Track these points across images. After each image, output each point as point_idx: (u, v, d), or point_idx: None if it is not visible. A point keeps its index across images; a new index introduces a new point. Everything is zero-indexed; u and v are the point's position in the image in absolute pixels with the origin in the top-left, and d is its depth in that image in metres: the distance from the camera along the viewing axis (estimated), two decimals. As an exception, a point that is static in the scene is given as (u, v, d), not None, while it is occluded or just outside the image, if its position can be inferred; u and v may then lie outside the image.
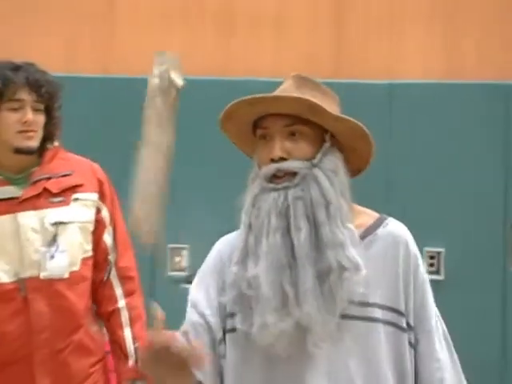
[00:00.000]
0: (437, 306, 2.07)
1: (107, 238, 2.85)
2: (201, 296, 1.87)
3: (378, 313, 1.80)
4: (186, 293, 3.11)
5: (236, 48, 5.05)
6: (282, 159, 1.77)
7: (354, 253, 1.73)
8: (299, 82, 1.90)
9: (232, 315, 1.79)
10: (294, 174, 1.77)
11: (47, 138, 2.81)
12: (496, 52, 4.93)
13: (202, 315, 1.82)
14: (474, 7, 4.93)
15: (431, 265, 4.58)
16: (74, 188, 2.79)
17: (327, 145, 1.81)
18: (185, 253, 4.64)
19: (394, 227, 1.89)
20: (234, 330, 1.79)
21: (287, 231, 1.73)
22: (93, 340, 2.83)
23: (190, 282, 3.52)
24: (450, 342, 1.93)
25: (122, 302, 2.86)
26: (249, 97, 1.79)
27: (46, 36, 5.06)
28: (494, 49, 4.93)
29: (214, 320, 1.81)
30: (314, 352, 1.75)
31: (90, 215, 2.80)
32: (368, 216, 1.89)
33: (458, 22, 4.96)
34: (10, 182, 2.72)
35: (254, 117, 1.82)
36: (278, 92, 1.87)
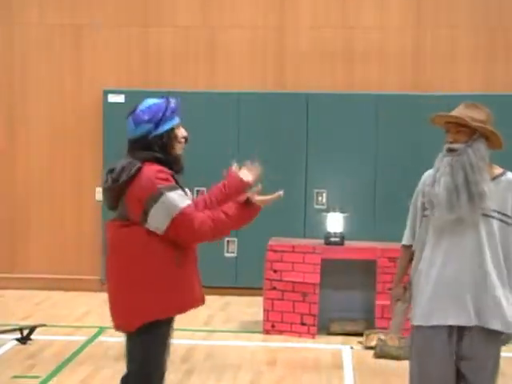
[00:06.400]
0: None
1: None
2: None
3: (497, 215, 3.31)
4: (324, 216, 5.83)
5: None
6: (452, 143, 3.32)
7: (483, 186, 3.24)
8: (465, 105, 3.37)
9: (425, 208, 3.40)
10: (456, 150, 3.30)
11: None
12: None
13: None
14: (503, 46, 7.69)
15: None
16: None
17: (475, 136, 3.31)
18: (324, 194, 7.63)
19: (509, 176, 3.38)
20: (425, 216, 3.41)
21: (451, 175, 3.28)
22: None
23: (328, 211, 6.30)
24: None
25: None
26: (440, 113, 3.41)
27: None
28: None
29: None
30: (462, 232, 3.28)
31: None
32: (498, 170, 3.39)
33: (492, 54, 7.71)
34: None
35: (443, 121, 3.40)
36: (453, 111, 3.37)
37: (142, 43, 7.97)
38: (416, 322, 3.36)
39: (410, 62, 7.77)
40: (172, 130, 3.27)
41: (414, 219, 3.51)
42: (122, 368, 5.22)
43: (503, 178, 3.36)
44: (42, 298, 7.55)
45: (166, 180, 3.17)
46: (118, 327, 3.36)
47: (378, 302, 6.00)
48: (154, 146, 3.23)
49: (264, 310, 6.23)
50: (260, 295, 6.42)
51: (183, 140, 3.33)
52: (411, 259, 3.53)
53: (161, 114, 3.22)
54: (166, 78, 7.91)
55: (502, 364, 3.47)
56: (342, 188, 7.54)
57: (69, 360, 5.40)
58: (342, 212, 6.34)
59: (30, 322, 6.28)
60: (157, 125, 3.22)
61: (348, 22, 7.80)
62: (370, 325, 6.07)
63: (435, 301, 3.30)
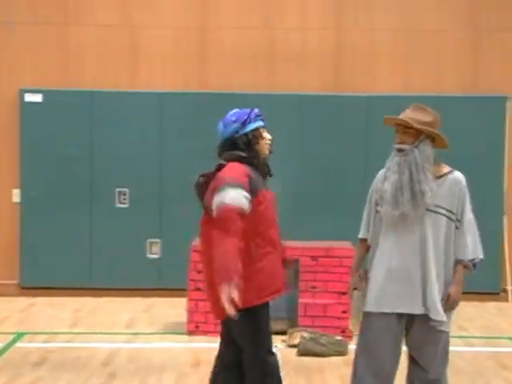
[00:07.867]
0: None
1: None
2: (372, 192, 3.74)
3: (443, 211, 3.54)
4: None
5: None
6: (400, 143, 3.55)
7: (425, 185, 3.46)
8: (413, 108, 3.58)
9: (378, 204, 3.67)
10: (404, 150, 3.53)
11: None
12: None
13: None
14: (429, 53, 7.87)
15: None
16: None
17: (421, 137, 3.52)
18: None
19: (456, 175, 3.60)
20: (378, 211, 3.66)
21: (398, 173, 3.51)
22: None
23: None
24: (475, 228, 3.61)
25: None
26: (389, 116, 3.60)
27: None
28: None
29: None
30: (409, 227, 3.52)
31: None
32: (446, 168, 3.61)
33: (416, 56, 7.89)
34: None
35: (392, 123, 3.61)
36: (402, 114, 3.57)
37: (61, 41, 7.79)
38: (368, 309, 3.56)
39: (330, 63, 7.88)
40: (257, 129, 3.74)
41: (368, 214, 3.77)
42: (40, 374, 5.12)
43: (450, 176, 3.58)
44: (-43, 304, 7.30)
45: (237, 179, 3.49)
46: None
47: (300, 301, 6.04)
48: (240, 144, 3.67)
49: (188, 311, 6.19)
50: (184, 296, 6.38)
51: (268, 141, 3.81)
52: (367, 251, 3.76)
53: (246, 116, 3.72)
54: (87, 78, 7.77)
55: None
56: (265, 188, 7.57)
57: (-15, 367, 5.24)
58: (265, 212, 6.37)
59: None
60: (243, 124, 3.70)
61: (270, 23, 7.85)
62: (293, 323, 6.11)
63: (386, 290, 3.52)
